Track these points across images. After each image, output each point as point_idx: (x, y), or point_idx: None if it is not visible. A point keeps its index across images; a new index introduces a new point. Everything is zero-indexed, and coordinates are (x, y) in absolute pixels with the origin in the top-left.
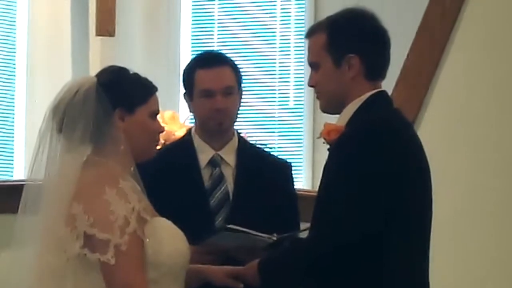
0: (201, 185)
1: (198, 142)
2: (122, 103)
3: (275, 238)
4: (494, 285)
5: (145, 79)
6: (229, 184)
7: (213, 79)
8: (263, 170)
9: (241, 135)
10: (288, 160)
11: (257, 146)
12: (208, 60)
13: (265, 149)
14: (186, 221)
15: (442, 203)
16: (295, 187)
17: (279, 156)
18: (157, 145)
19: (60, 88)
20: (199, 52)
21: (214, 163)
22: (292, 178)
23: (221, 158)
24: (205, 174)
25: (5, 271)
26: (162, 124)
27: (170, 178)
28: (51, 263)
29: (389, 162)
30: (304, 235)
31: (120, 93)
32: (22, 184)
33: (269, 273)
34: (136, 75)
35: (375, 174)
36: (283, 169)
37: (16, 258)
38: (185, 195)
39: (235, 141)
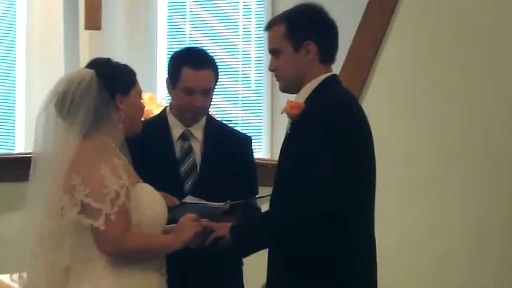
0: (173, 155)
1: (171, 119)
2: (120, 89)
3: (228, 205)
4: (429, 245)
5: (127, 66)
6: (197, 155)
7: (197, 80)
8: (226, 143)
9: (209, 113)
10: (250, 133)
11: (222, 122)
12: (196, 61)
13: (229, 125)
14: (160, 185)
15: (383, 172)
16: (254, 157)
17: (242, 130)
18: (141, 121)
19: (54, 73)
20: (175, 42)
21: (184, 137)
22: (252, 150)
23: (191, 133)
24: (177, 147)
25: (13, 234)
26: None
27: (147, 149)
28: (51, 227)
29: (353, 135)
30: (259, 201)
31: (117, 81)
32: (23, 157)
33: (240, 237)
34: (119, 63)
35: (344, 146)
36: (244, 142)
37: (22, 222)
38: (159, 163)
39: (203, 119)
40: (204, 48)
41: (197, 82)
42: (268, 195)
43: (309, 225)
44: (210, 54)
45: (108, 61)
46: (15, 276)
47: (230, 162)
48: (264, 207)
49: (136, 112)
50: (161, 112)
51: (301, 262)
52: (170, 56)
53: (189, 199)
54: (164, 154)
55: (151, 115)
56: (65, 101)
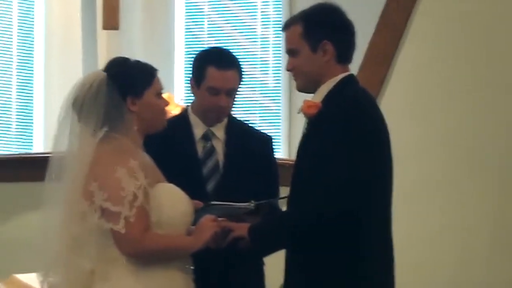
0: (195, 156)
1: (193, 118)
2: (131, 91)
3: (253, 205)
4: (444, 245)
5: (146, 64)
6: (219, 155)
7: (222, 80)
8: (248, 144)
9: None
10: (267, 133)
11: (244, 122)
12: (221, 61)
13: (250, 125)
14: (182, 186)
15: (399, 172)
16: (275, 157)
17: (262, 130)
18: (166, 118)
19: (72, 73)
20: (192, 42)
21: (206, 137)
22: (273, 150)
23: (213, 133)
24: (199, 147)
25: (31, 234)
26: None
27: (169, 148)
28: (73, 230)
29: (370, 135)
30: (281, 202)
31: (128, 83)
32: (41, 157)
33: (259, 237)
34: (137, 62)
35: (360, 146)
36: (266, 142)
37: (41, 223)
38: (181, 163)
39: (225, 119)
40: (223, 47)
41: (222, 82)
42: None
43: (326, 225)
44: (234, 55)
45: (124, 61)
46: (40, 277)
47: (252, 162)
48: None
49: (153, 113)
50: (182, 112)
51: (317, 261)
52: (193, 55)
53: (214, 202)
54: (186, 154)
55: (169, 115)
56: (78, 104)
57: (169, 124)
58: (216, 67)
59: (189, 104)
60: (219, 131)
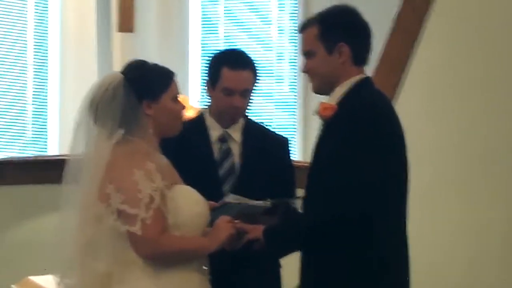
0: (212, 157)
1: (209, 120)
2: (147, 94)
3: (269, 203)
4: (459, 247)
5: (163, 68)
6: (236, 157)
7: (237, 81)
8: (264, 145)
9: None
10: (283, 135)
11: (260, 123)
12: (236, 62)
13: (266, 126)
14: (198, 188)
15: (414, 174)
16: (291, 159)
17: (278, 132)
18: (181, 122)
19: (87, 75)
20: (208, 44)
21: (223, 139)
22: (289, 151)
23: (229, 134)
24: (215, 148)
25: (46, 236)
26: None
27: (186, 150)
28: (89, 233)
29: (385, 137)
30: (297, 202)
31: (144, 86)
32: (56, 159)
33: (273, 239)
34: (155, 65)
35: (376, 148)
36: (282, 144)
37: (57, 226)
38: (198, 165)
39: (241, 121)
40: (238, 48)
41: (237, 83)
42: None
43: (341, 227)
44: (249, 55)
45: (141, 64)
46: (56, 279)
47: (269, 164)
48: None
49: (169, 117)
50: (198, 114)
51: (332, 263)
52: (208, 57)
53: (231, 197)
54: (203, 156)
55: (185, 118)
56: (94, 106)
57: (186, 126)
58: (230, 67)
59: (206, 106)
60: (236, 133)
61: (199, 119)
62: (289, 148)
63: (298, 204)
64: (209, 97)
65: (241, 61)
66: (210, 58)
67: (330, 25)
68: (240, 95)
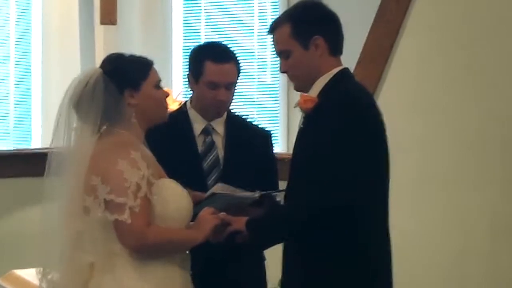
0: (196, 150)
1: (192, 114)
2: (128, 84)
3: (257, 195)
4: (446, 241)
5: (140, 57)
6: (219, 150)
7: (220, 74)
8: (247, 138)
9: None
10: (266, 127)
11: (243, 117)
12: (219, 55)
13: (249, 120)
14: (183, 181)
15: (399, 168)
16: (274, 151)
17: (260, 125)
18: (167, 108)
19: (70, 68)
20: (190, 37)
21: (206, 132)
22: (272, 144)
23: (213, 128)
24: (199, 141)
25: (30, 229)
26: None
27: (169, 144)
28: (74, 225)
29: (366, 129)
30: (281, 194)
31: (124, 77)
32: (40, 152)
33: (256, 231)
34: (132, 56)
35: (357, 140)
36: (265, 137)
37: (42, 219)
38: (182, 158)
39: (224, 114)
40: (219, 41)
41: (221, 76)
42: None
43: (322, 218)
44: (231, 48)
45: (118, 56)
46: (39, 272)
47: (252, 157)
48: None
49: (153, 103)
50: (181, 107)
51: (314, 256)
52: (190, 51)
53: (219, 187)
54: (186, 149)
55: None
56: (75, 102)
57: (169, 120)
58: (213, 61)
59: (187, 99)
60: (219, 126)
61: (182, 112)
62: (272, 141)
63: (282, 197)
64: (191, 91)
65: (224, 54)
66: (192, 52)
67: (301, 21)
68: (224, 88)
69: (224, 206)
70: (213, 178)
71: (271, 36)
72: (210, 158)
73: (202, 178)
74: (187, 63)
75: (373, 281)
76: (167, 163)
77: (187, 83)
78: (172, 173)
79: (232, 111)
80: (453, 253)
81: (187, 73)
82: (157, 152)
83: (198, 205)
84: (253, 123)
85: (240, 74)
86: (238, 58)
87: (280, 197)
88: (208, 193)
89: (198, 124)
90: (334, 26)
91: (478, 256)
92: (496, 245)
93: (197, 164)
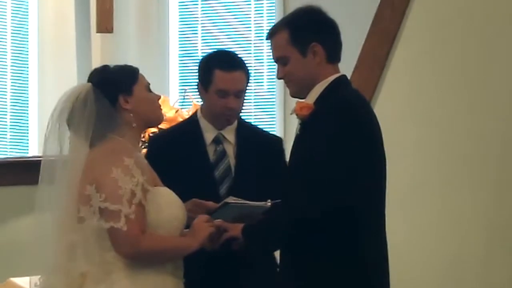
0: (207, 159)
1: (203, 123)
2: (120, 90)
3: (269, 204)
4: (441, 246)
5: (126, 65)
6: (231, 158)
7: (230, 82)
8: (258, 146)
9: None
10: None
11: (253, 124)
12: (228, 63)
13: (259, 127)
14: (194, 190)
15: (394, 173)
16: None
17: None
18: (161, 109)
19: (67, 76)
20: (187, 45)
21: (217, 141)
22: (284, 151)
23: (224, 136)
24: (210, 150)
25: (26, 237)
26: None
27: (180, 153)
28: (70, 237)
29: (362, 134)
30: None
31: (115, 84)
32: (36, 160)
33: (251, 237)
34: (116, 66)
35: (353, 146)
36: (276, 144)
37: (35, 227)
38: (193, 168)
39: (235, 122)
40: (216, 48)
41: (230, 84)
42: None
43: (318, 221)
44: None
45: (103, 68)
46: (32, 281)
47: (264, 165)
48: None
49: (147, 106)
50: (191, 116)
51: (312, 260)
52: (187, 59)
53: (230, 199)
54: (198, 158)
55: (164, 118)
56: (66, 116)
57: (180, 129)
58: (223, 69)
59: (185, 107)
60: (230, 135)
61: (193, 122)
62: (283, 148)
63: None
64: (202, 100)
65: (233, 62)
66: (201, 61)
67: (300, 27)
68: (234, 96)
69: (236, 215)
70: (225, 187)
71: (269, 42)
72: (222, 167)
73: (214, 187)
74: (184, 71)
75: (369, 285)
76: (179, 173)
77: (197, 92)
78: (184, 183)
79: (242, 119)
80: (448, 257)
81: (197, 82)
82: (168, 161)
83: (211, 215)
84: (264, 130)
85: (249, 82)
86: (247, 66)
87: None
88: (221, 203)
89: (209, 133)
90: (333, 33)
91: (473, 261)
92: (490, 250)
93: (209, 173)
